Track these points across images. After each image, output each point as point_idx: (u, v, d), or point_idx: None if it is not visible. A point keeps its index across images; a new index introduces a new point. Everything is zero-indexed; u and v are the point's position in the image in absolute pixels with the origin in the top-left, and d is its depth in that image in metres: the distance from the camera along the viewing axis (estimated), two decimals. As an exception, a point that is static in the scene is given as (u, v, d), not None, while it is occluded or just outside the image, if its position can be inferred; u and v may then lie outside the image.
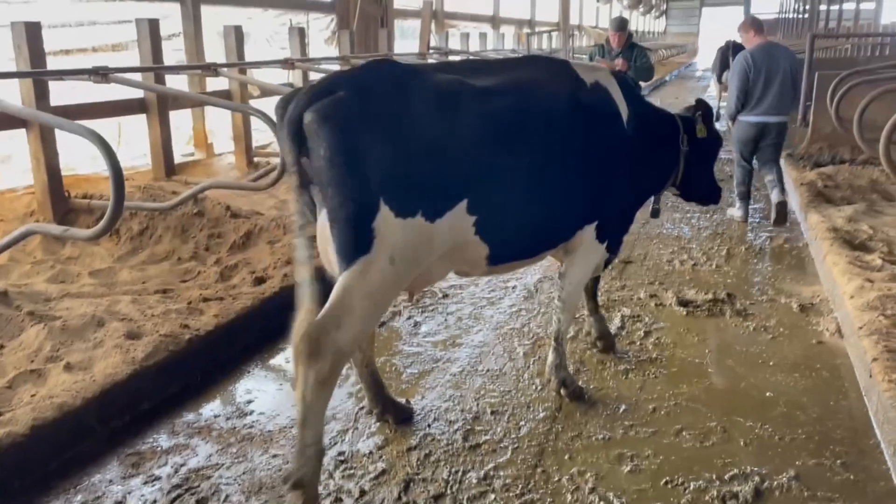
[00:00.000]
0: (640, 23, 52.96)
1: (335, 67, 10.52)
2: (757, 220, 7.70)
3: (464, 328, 4.88)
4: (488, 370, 4.23)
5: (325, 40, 12.08)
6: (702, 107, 4.23)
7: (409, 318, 5.07)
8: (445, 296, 5.51)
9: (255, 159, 8.95)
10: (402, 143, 2.72)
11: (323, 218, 2.83)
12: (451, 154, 2.83)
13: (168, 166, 7.65)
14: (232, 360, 4.35)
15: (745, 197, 7.62)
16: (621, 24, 9.01)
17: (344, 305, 2.69)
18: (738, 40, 12.17)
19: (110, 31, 8.22)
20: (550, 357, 3.87)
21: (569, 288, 3.76)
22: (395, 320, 5.01)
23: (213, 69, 6.95)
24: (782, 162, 10.08)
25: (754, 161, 7.52)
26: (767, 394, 3.91)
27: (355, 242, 2.68)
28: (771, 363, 4.30)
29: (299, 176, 2.75)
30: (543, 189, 3.21)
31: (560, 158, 3.26)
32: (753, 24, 7.52)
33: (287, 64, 8.33)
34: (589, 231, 3.62)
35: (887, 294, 4.54)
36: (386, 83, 2.79)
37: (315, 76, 10.48)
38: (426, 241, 2.83)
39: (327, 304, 2.71)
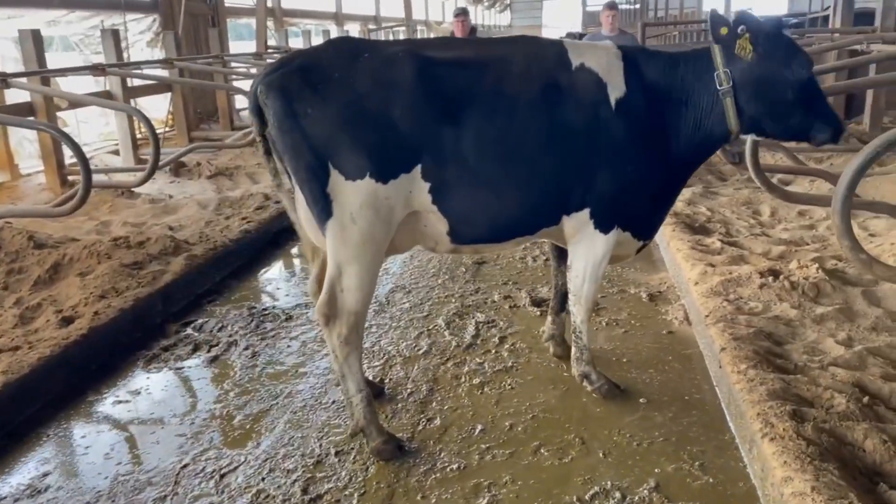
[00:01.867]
0: (486, 17, 54.07)
1: (159, 72, 9.66)
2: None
3: (308, 354, 4.44)
4: (334, 402, 3.82)
5: (147, 42, 11.10)
6: (743, 21, 3.15)
7: (247, 347, 4.56)
8: (289, 318, 5.04)
9: (71, 177, 7.98)
10: (342, 110, 2.92)
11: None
12: (396, 120, 2.95)
13: (-42, 194, 6.61)
14: (26, 424, 3.67)
15: None
16: (463, 11, 8.91)
17: (337, 270, 3.04)
18: (579, 30, 12.87)
19: None
20: (573, 350, 3.78)
21: (576, 281, 3.56)
22: (229, 352, 4.49)
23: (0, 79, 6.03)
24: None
25: None
26: (626, 396, 3.77)
27: (319, 207, 2.98)
28: (625, 359, 4.19)
29: (265, 146, 3.04)
30: (504, 168, 3.13)
31: (523, 138, 3.11)
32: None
33: (98, 70, 7.46)
34: (583, 219, 3.34)
35: (728, 278, 4.58)
36: (338, 55, 3.03)
37: (139, 82, 9.60)
38: (382, 201, 2.99)
39: (327, 274, 3.07)
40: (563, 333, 4.18)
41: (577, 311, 3.64)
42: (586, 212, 3.33)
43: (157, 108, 11.28)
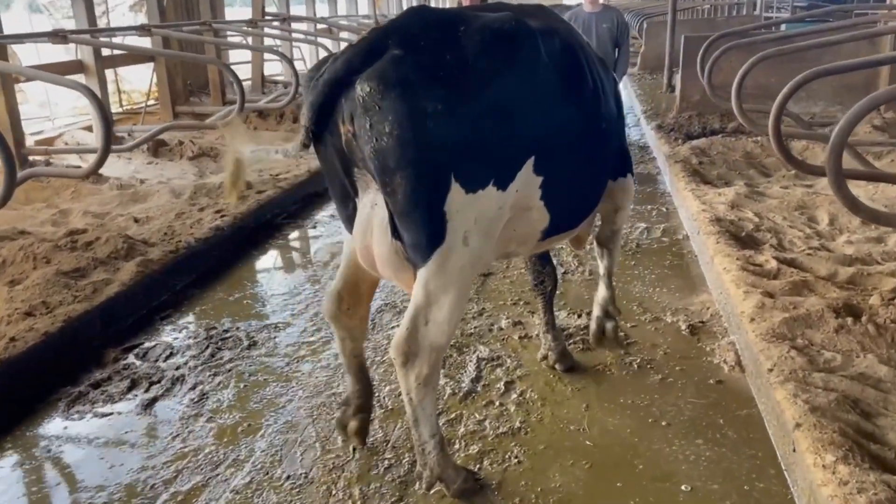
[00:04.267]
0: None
1: (140, 42, 8.76)
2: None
3: (267, 400, 3.59)
4: (289, 477, 2.97)
5: (130, 6, 10.15)
6: None
7: (195, 386, 3.72)
8: (253, 344, 4.18)
9: (31, 158, 7.12)
10: (473, 104, 2.32)
11: (367, 206, 2.51)
12: (518, 107, 2.46)
13: None
14: None
15: None
16: None
17: (428, 301, 2.49)
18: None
19: None
20: (605, 293, 3.82)
21: (617, 241, 3.73)
22: (171, 393, 3.65)
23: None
24: (651, 133, 9.39)
25: None
26: (665, 481, 2.90)
27: (428, 233, 2.39)
28: (664, 422, 3.31)
29: (352, 152, 2.36)
30: (597, 144, 2.98)
31: (607, 110, 3.05)
32: None
33: (58, 37, 6.55)
34: (630, 182, 3.53)
35: (794, 315, 3.66)
36: (435, 31, 2.40)
37: (114, 52, 8.69)
38: (497, 211, 2.51)
39: (411, 304, 2.52)
40: (564, 347, 3.83)
41: (616, 257, 3.80)
42: (628, 174, 3.51)
43: (142, 78, 10.38)
